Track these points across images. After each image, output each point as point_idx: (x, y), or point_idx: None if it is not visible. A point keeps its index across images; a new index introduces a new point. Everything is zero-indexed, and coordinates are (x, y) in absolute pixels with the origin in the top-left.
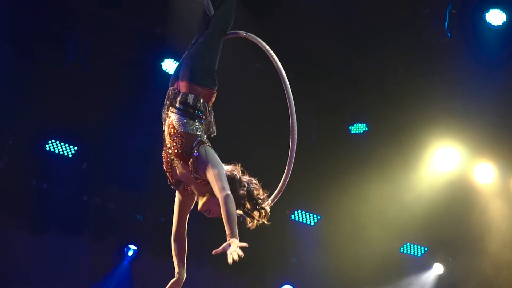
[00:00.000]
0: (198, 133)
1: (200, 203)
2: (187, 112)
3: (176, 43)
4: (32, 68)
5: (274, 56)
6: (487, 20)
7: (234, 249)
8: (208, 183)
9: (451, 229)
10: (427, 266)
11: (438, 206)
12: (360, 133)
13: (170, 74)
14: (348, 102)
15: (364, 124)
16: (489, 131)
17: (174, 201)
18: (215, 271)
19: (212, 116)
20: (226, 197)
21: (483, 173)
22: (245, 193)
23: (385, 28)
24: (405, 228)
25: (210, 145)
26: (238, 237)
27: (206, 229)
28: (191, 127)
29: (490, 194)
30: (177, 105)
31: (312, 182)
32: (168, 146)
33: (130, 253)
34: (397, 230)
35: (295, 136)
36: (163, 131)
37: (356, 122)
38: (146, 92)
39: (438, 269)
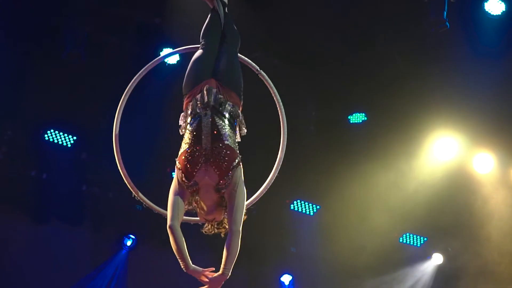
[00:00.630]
0: (238, 151)
1: (208, 210)
2: (232, 125)
3: (174, 33)
4: (31, 58)
5: (279, 101)
6: (486, 10)
7: None
8: (223, 197)
9: (451, 219)
10: (426, 256)
11: (437, 196)
12: (359, 123)
13: (169, 64)
14: (347, 92)
15: (363, 114)
16: (488, 121)
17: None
18: (213, 260)
19: None
20: (237, 233)
21: (483, 162)
22: None
23: (384, 17)
24: (404, 218)
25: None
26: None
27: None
28: (234, 143)
29: (490, 183)
30: (226, 113)
31: (311, 172)
32: (207, 147)
33: (128, 243)
34: (396, 220)
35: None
36: (198, 127)
37: (355, 112)
38: (145, 82)
39: (437, 259)
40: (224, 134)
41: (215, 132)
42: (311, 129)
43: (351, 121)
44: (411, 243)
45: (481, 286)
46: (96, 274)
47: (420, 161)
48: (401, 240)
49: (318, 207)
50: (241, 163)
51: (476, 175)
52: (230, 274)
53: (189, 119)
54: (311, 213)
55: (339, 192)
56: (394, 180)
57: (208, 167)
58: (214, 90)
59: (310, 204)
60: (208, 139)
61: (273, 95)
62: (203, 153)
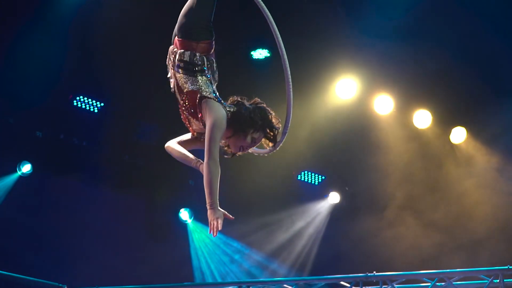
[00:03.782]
0: (200, 88)
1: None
2: (187, 69)
3: None
4: None
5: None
6: None
7: (215, 226)
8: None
9: (349, 158)
10: (323, 195)
11: (337, 135)
12: (262, 59)
13: None
14: (250, 26)
15: (267, 50)
16: (389, 64)
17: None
18: (112, 191)
19: (215, 66)
20: (208, 165)
21: (383, 104)
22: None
23: None
24: (303, 156)
25: (213, 97)
26: (217, 204)
27: (108, 149)
28: (194, 84)
29: (389, 125)
30: (177, 63)
31: None
32: (182, 103)
33: (25, 168)
34: (295, 158)
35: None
36: (172, 89)
37: (258, 48)
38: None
39: (334, 197)
40: (183, 83)
41: (178, 86)
42: None
43: (254, 57)
44: (309, 181)
45: (376, 222)
46: None
47: (321, 100)
48: (299, 178)
49: None
50: (207, 97)
51: (376, 115)
52: (217, 204)
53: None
54: None
55: None
56: (294, 118)
57: (189, 119)
58: (171, 47)
59: None
60: (177, 95)
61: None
62: (181, 109)
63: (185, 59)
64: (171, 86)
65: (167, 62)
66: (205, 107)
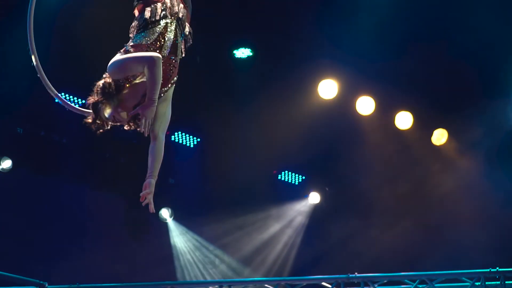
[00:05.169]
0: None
1: (126, 108)
2: (185, 46)
3: None
4: None
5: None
6: None
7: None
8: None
9: (330, 158)
10: (303, 195)
11: (318, 135)
12: (245, 58)
13: None
14: (233, 25)
15: (249, 49)
16: (371, 65)
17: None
18: (93, 189)
19: None
20: (163, 142)
21: (364, 104)
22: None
23: None
24: (284, 155)
25: None
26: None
27: (89, 146)
28: (178, 62)
29: (370, 126)
30: (184, 29)
31: (194, 104)
32: (164, 55)
33: (5, 164)
34: (275, 157)
35: None
36: (163, 31)
37: (241, 47)
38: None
39: (314, 198)
40: (180, 48)
41: (180, 48)
42: (196, 61)
43: (237, 56)
44: (289, 181)
45: (357, 223)
46: None
47: (303, 99)
48: (280, 177)
49: (198, 139)
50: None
51: (358, 116)
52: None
53: (157, 17)
54: (191, 145)
55: (220, 126)
56: (275, 117)
57: (168, 71)
58: (181, 5)
59: (191, 136)
60: (167, 48)
61: None
62: (172, 66)
63: (190, 39)
64: (169, 31)
65: (163, 4)
66: (172, 92)
